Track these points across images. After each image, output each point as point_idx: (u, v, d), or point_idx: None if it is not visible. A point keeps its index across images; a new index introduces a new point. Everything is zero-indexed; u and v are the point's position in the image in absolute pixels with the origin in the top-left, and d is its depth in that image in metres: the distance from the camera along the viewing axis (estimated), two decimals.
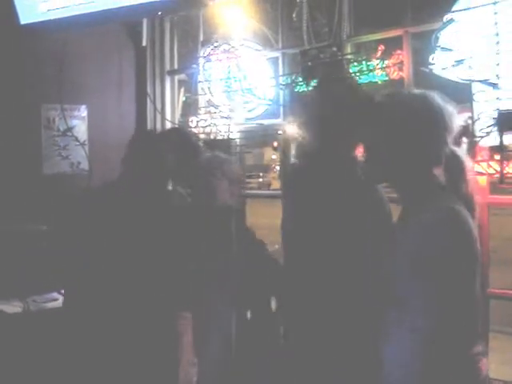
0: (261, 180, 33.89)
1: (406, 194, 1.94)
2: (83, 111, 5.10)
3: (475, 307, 1.84)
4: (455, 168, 1.90)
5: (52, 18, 4.41)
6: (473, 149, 3.34)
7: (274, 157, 42.23)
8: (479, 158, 3.34)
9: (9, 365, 3.58)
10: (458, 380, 1.79)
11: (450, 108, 1.91)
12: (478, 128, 3.28)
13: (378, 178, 2.06)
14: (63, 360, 3.10)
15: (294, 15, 4.89)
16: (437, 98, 1.92)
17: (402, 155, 1.89)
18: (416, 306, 1.79)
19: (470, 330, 1.82)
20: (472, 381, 1.81)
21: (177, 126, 5.22)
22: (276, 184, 29.50)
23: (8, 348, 3.60)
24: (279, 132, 4.63)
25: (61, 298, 3.82)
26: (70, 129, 4.99)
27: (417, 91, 1.98)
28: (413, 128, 1.88)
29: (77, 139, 5.01)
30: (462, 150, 1.95)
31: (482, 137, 3.27)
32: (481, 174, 3.35)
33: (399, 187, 1.97)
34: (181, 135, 3.75)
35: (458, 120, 1.94)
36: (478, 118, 3.28)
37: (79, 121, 5.08)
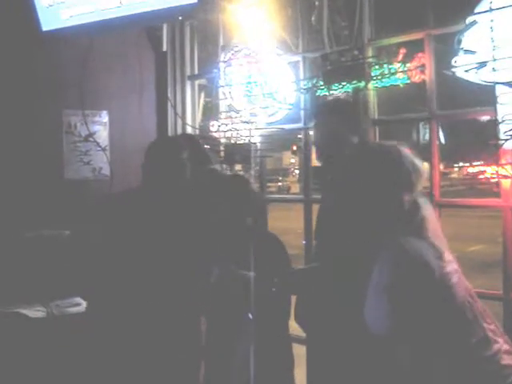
0: (280, 184, 33.94)
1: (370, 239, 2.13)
2: (104, 117, 5.12)
3: (464, 313, 1.95)
4: (416, 216, 2.08)
5: (74, 24, 4.44)
6: (497, 151, 3.32)
7: (292, 160, 42.26)
8: (503, 161, 3.31)
9: (32, 369, 3.60)
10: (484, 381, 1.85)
11: (414, 162, 2.14)
12: (502, 130, 3.26)
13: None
14: (87, 363, 3.12)
15: (312, 18, 4.87)
16: (402, 151, 2.16)
17: (365, 204, 2.12)
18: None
19: (469, 333, 1.91)
20: (501, 379, 1.86)
21: (188, 132, 5.20)
22: (295, 188, 29.54)
23: (32, 353, 3.63)
24: (299, 136, 4.62)
25: (83, 303, 3.84)
26: (91, 134, 5.01)
27: (385, 145, 2.27)
28: (373, 181, 2.11)
29: (98, 145, 5.04)
30: (423, 200, 2.15)
31: (506, 139, 3.24)
32: (505, 176, 3.33)
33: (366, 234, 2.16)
34: (191, 142, 3.76)
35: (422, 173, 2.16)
36: (503, 121, 3.25)
37: (100, 126, 5.10)
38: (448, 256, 2.04)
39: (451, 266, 2.02)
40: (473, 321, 1.94)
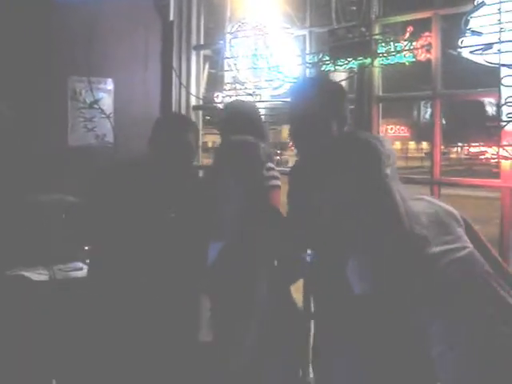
0: (278, 158, 33.90)
1: None
2: (109, 84, 5.14)
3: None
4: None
5: None
6: (498, 133, 3.36)
7: None
8: (505, 143, 3.35)
9: (34, 331, 3.66)
10: None
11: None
12: (505, 112, 3.29)
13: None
14: (89, 327, 3.17)
15: None
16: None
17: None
18: None
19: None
20: None
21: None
22: (293, 162, 29.51)
23: (34, 315, 3.68)
24: None
25: (85, 268, 3.90)
26: (96, 101, 5.04)
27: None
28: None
29: (103, 112, 5.07)
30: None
31: (508, 121, 3.27)
32: (505, 158, 3.37)
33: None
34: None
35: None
36: (506, 103, 3.28)
37: (105, 94, 5.13)
38: (439, 246, 2.03)
39: (447, 256, 2.02)
40: None
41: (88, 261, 3.50)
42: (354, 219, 2.03)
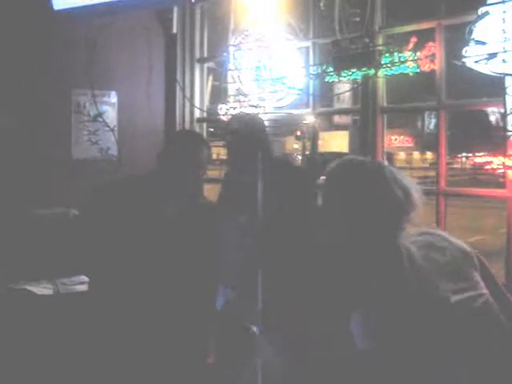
0: None
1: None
2: (113, 97, 5.14)
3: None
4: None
5: (85, 4, 4.45)
6: (504, 142, 3.34)
7: (295, 146, 41.95)
8: (510, 153, 3.33)
9: (38, 345, 3.64)
10: None
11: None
12: (511, 122, 3.28)
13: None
14: (92, 342, 3.15)
15: (321, 4, 4.86)
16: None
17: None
18: None
19: None
20: None
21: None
22: None
23: (38, 328, 3.66)
24: (304, 121, 4.63)
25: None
26: (100, 114, 5.03)
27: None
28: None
29: (106, 125, 5.05)
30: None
31: None
32: (510, 167, 3.35)
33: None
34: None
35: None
36: (511, 112, 3.27)
37: (109, 107, 5.12)
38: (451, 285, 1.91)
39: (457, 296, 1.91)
40: None
41: (89, 275, 3.48)
42: (360, 274, 1.87)
